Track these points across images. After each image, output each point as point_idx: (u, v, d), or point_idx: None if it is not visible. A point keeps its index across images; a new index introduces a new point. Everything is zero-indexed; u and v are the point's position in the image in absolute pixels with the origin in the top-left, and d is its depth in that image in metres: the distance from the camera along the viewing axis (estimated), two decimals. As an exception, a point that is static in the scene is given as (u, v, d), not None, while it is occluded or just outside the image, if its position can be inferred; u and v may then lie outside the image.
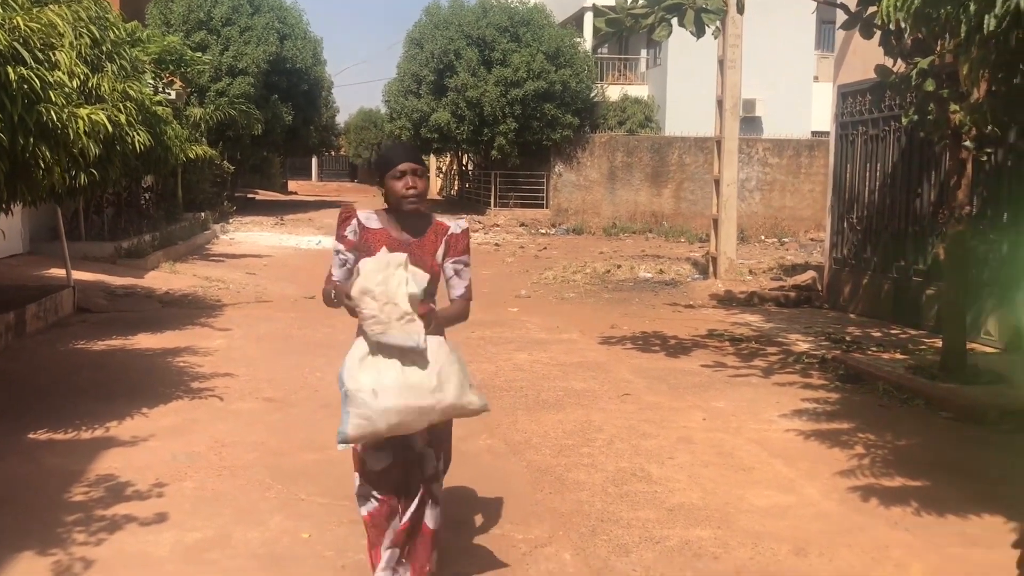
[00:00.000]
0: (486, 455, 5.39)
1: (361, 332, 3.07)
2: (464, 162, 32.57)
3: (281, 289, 12.60)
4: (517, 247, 19.84)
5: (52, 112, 5.20)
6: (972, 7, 3.95)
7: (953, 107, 6.79)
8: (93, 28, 6.72)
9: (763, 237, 23.34)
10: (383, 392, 2.93)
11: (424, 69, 26.18)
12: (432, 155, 32.31)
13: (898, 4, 4.32)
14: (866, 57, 9.25)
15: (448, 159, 35.81)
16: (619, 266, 15.93)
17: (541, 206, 25.94)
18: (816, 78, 26.56)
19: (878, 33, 6.96)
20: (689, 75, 24.32)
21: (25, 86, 4.98)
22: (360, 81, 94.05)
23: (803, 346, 8.93)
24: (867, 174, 10.93)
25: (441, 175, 40.22)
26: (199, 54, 18.58)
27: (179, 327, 9.30)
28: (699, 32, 7.24)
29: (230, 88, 24.91)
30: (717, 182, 13.98)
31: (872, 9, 6.73)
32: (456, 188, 35.48)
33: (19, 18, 5.14)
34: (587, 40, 27.66)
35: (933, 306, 9.39)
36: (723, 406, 6.69)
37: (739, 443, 5.75)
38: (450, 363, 3.03)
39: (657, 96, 27.58)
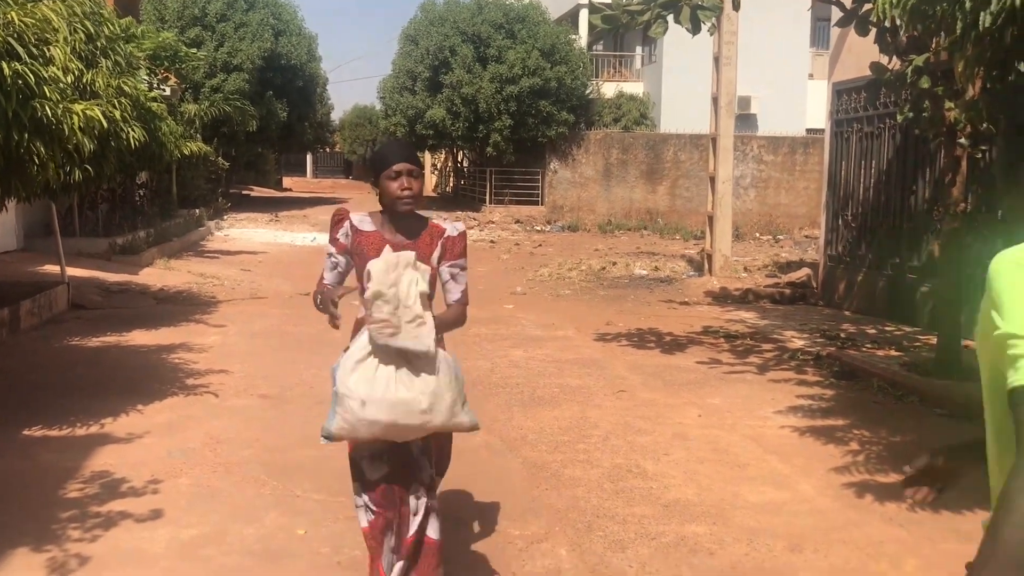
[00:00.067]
0: (482, 451, 5.39)
1: (357, 331, 3.03)
2: (459, 159, 32.52)
3: (276, 286, 12.58)
4: (512, 244, 19.84)
5: (47, 108, 5.19)
6: (967, 4, 3.97)
7: (948, 104, 6.80)
8: (88, 24, 6.72)
9: (758, 234, 23.35)
10: (371, 404, 2.87)
11: (419, 66, 26.16)
12: (427, 152, 32.25)
13: (894, 1, 4.33)
14: (861, 54, 9.25)
15: (443, 156, 35.73)
16: (614, 263, 15.94)
17: (536, 203, 25.92)
18: (811, 75, 26.54)
19: (873, 30, 6.97)
20: (684, 72, 24.31)
21: (20, 81, 4.97)
22: (355, 78, 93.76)
23: (798, 343, 8.95)
24: (862, 171, 10.95)
25: (436, 172, 40.17)
26: (194, 50, 18.58)
27: (174, 323, 9.29)
28: (695, 29, 7.24)
29: (225, 84, 24.91)
30: (712, 179, 13.99)
31: (868, 6, 6.74)
32: (451, 185, 35.43)
33: (13, 13, 5.13)
34: (582, 37, 27.65)
35: (928, 303, 9.41)
36: (718, 402, 6.70)
37: (734, 439, 5.77)
38: (447, 383, 2.94)
39: (652, 93, 27.56)
